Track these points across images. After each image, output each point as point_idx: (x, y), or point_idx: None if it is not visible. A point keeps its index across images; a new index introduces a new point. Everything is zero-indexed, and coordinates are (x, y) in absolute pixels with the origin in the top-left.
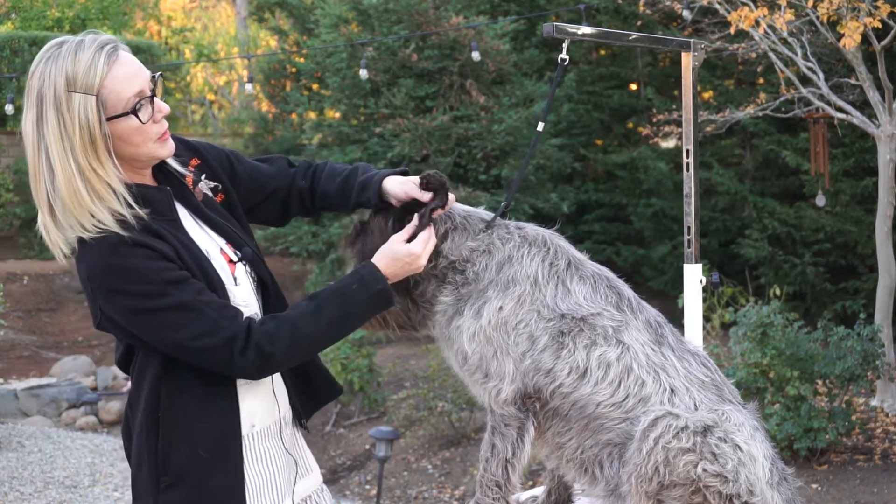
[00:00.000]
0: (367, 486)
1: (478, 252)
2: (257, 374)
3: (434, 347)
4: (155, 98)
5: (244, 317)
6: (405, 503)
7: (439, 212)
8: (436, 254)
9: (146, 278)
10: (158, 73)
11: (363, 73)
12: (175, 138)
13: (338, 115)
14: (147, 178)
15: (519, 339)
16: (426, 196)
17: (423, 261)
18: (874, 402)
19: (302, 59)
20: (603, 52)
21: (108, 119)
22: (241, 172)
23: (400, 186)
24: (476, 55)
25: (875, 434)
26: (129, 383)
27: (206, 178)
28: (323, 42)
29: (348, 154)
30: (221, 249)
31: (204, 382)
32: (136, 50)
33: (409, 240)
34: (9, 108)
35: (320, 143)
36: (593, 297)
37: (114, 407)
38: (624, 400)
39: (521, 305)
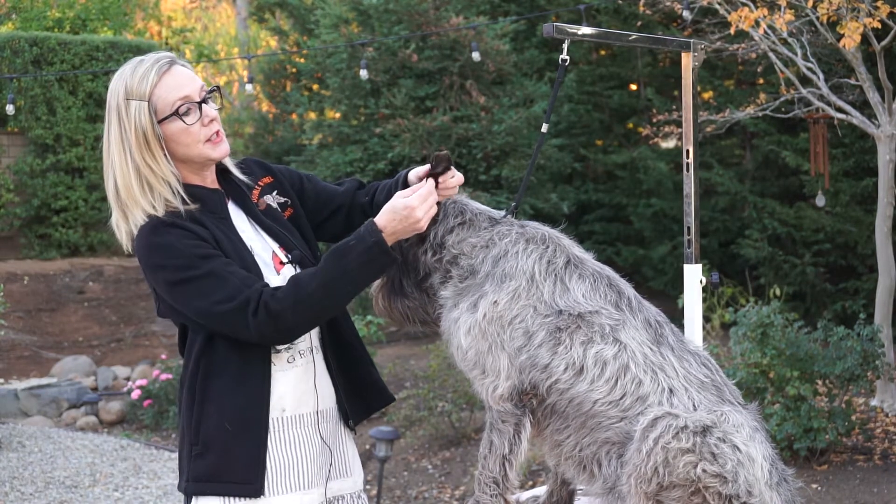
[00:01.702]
0: (368, 487)
1: (478, 247)
2: (273, 334)
3: (434, 347)
4: (204, 104)
5: (262, 284)
6: (405, 503)
7: (449, 182)
8: (440, 246)
9: (179, 252)
10: (215, 86)
11: (363, 74)
12: (253, 161)
13: (338, 115)
14: (209, 182)
15: (514, 334)
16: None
17: (420, 213)
18: (874, 402)
19: (302, 60)
20: (603, 53)
21: (160, 121)
22: (309, 190)
23: (416, 174)
24: (476, 55)
25: (875, 434)
26: (129, 383)
27: (276, 194)
28: (323, 42)
29: (348, 154)
30: (274, 252)
31: (240, 363)
32: (137, 51)
33: None
34: (9, 109)
35: (320, 143)
36: (592, 295)
37: (114, 407)
38: (621, 398)
39: (517, 300)
